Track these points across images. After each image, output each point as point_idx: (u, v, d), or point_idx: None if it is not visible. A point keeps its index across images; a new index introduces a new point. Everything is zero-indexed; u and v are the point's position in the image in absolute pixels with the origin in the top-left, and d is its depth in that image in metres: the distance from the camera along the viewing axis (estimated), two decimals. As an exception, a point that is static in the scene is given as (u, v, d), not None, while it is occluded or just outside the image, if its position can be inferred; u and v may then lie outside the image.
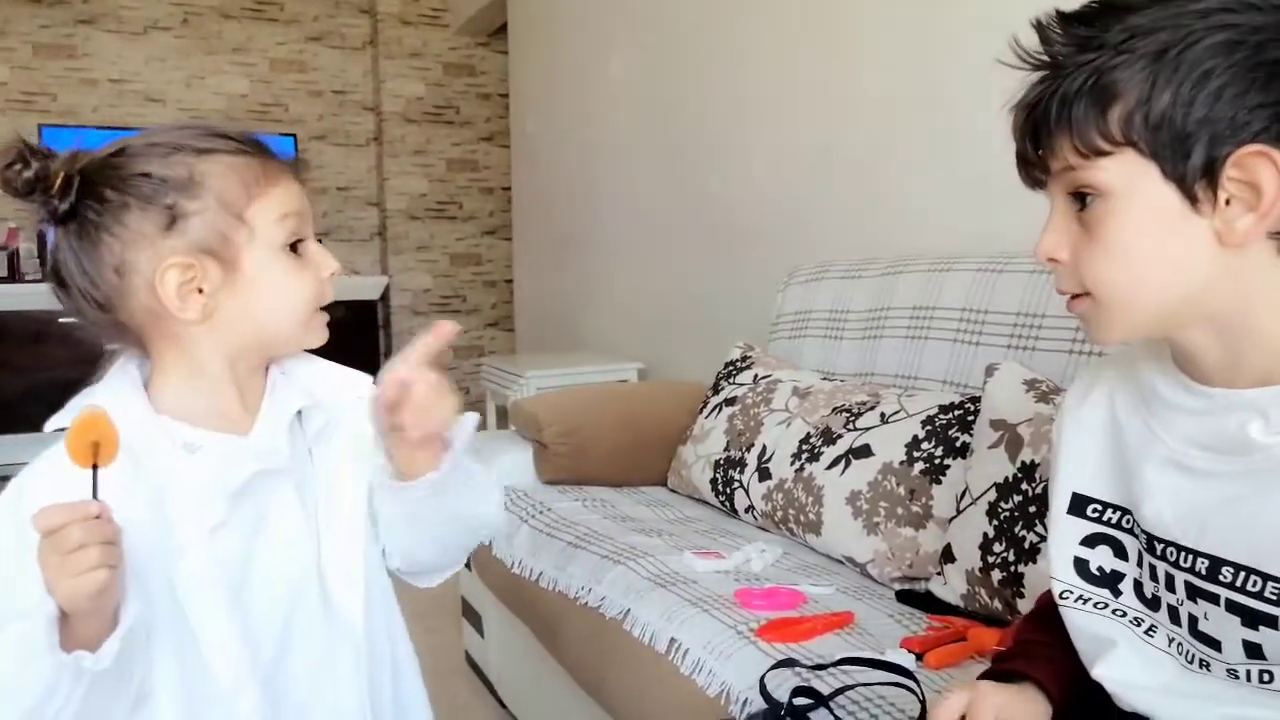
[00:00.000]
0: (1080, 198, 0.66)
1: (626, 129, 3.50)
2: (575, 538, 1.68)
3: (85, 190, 0.78)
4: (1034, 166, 0.69)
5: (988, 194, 1.88)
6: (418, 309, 5.60)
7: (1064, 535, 0.78)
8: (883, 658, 1.10)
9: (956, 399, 1.53)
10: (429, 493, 0.86)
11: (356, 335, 4.93)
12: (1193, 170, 0.61)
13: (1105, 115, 0.62)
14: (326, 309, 0.89)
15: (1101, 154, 0.63)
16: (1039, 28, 0.66)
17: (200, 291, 0.80)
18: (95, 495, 0.69)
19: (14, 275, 4.49)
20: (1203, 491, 0.67)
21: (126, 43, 4.95)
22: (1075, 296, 0.69)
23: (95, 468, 0.69)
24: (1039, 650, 0.79)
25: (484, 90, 5.63)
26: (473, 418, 0.90)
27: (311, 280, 0.86)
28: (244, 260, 0.82)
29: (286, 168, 0.86)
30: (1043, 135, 0.67)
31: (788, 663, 1.11)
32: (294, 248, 0.85)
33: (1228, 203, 0.61)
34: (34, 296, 4.22)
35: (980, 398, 1.44)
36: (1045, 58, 0.66)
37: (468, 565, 2.07)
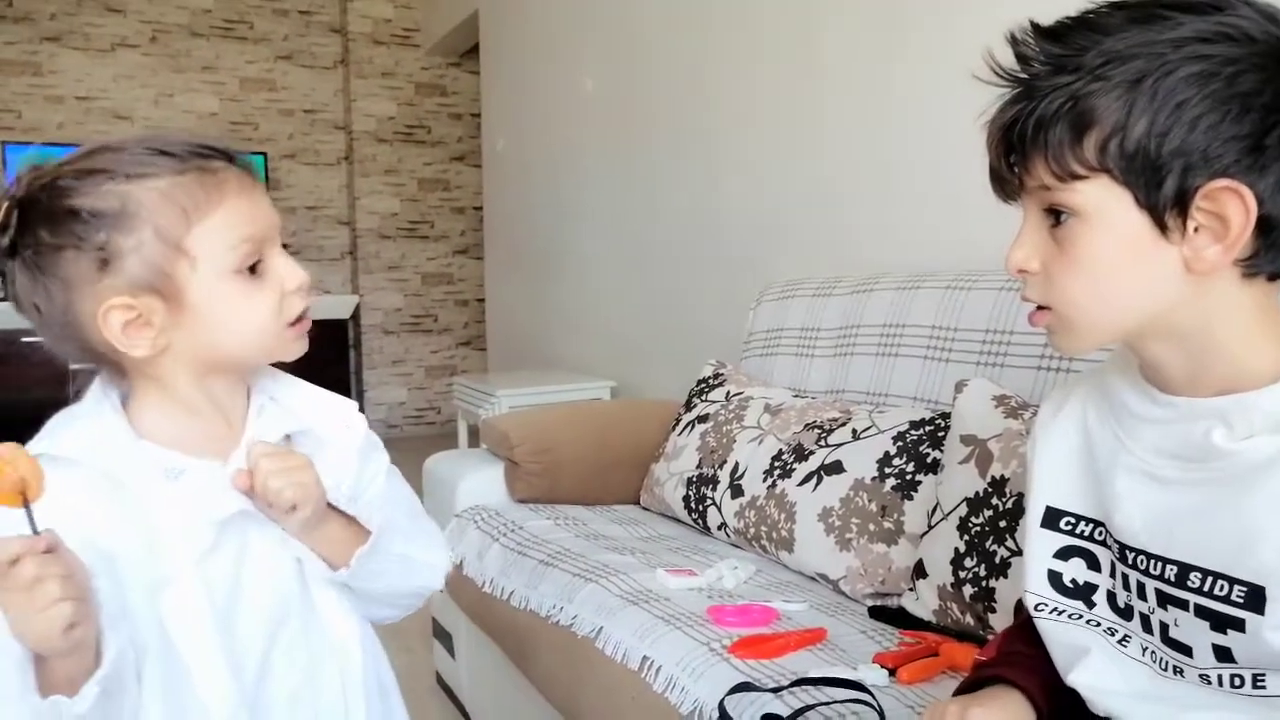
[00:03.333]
0: (1054, 214, 0.67)
1: (597, 148, 3.51)
2: (547, 556, 1.66)
3: (23, 227, 0.74)
4: (1008, 182, 0.70)
5: (957, 211, 1.91)
6: (388, 328, 5.57)
7: (1038, 548, 0.79)
8: (840, 676, 1.10)
9: (927, 415, 1.54)
10: (349, 581, 0.85)
11: (327, 354, 4.90)
12: (1164, 199, 0.62)
13: (1081, 141, 0.63)
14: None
15: (1077, 178, 0.64)
16: (1014, 43, 0.67)
17: (151, 324, 0.76)
18: (35, 531, 0.66)
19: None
20: (1170, 499, 0.68)
21: (93, 60, 4.91)
22: (1039, 309, 0.70)
23: (27, 505, 0.66)
24: (1024, 661, 0.80)
25: (455, 110, 5.64)
26: (386, 503, 0.88)
27: (270, 298, 0.80)
28: (189, 292, 0.76)
29: (237, 179, 0.79)
30: (1018, 154, 0.67)
31: (744, 686, 1.11)
32: (254, 268, 0.79)
33: (1196, 230, 0.63)
34: (-5, 315, 4.16)
35: (950, 414, 1.45)
36: (1021, 75, 0.66)
37: (438, 585, 2.05)
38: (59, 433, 0.78)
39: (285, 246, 0.84)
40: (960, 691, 0.84)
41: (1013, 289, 1.58)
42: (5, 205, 0.74)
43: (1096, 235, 0.65)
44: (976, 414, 1.35)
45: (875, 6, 2.18)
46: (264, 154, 5.15)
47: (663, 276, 3.13)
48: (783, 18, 2.48)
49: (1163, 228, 0.63)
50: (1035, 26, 0.66)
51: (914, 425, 1.53)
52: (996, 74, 0.68)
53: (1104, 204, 0.64)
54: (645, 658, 1.28)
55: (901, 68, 2.10)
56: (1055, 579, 0.78)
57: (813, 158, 2.40)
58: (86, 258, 0.74)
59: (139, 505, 0.77)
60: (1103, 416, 0.75)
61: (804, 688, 1.10)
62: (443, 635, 2.19)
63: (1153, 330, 0.67)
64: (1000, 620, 1.20)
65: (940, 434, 1.47)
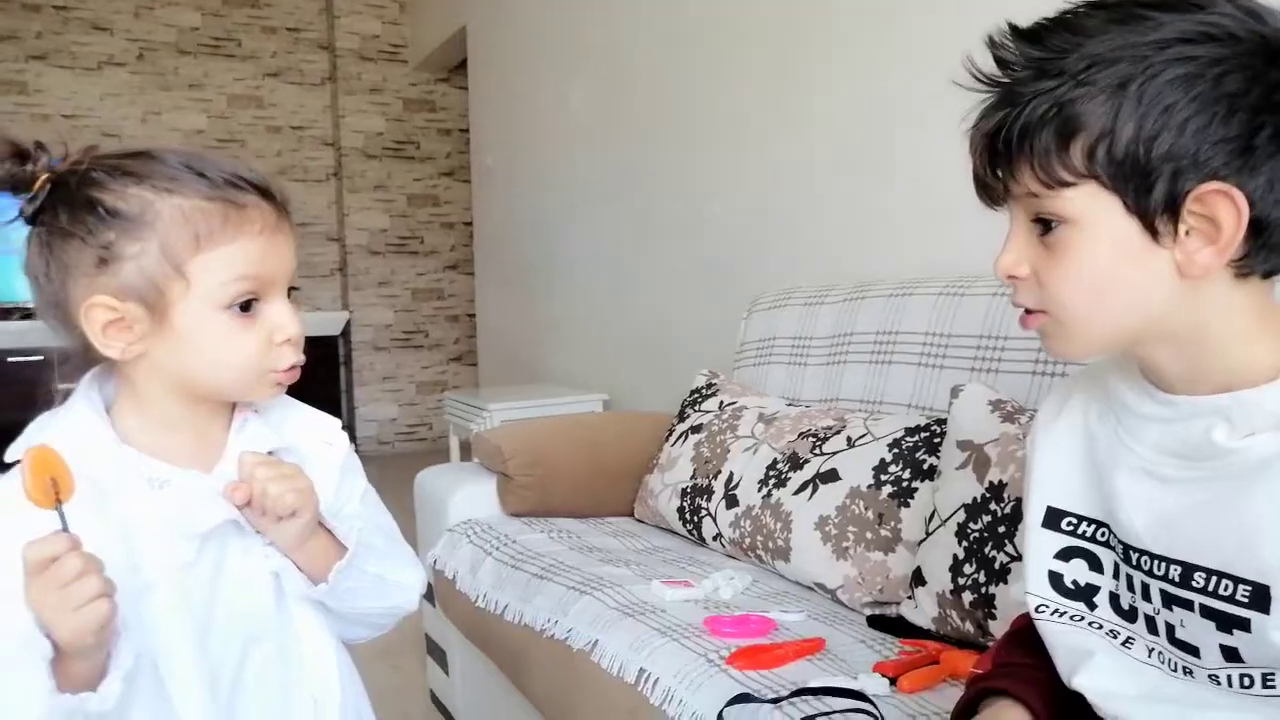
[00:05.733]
0: (1043, 222, 0.66)
1: (586, 162, 3.51)
2: (541, 569, 1.65)
3: (48, 203, 0.76)
4: (993, 189, 0.69)
5: (948, 217, 1.90)
6: (379, 344, 5.55)
7: (1038, 549, 0.78)
8: (839, 685, 1.09)
9: (922, 421, 1.53)
10: (325, 598, 0.84)
11: (318, 372, 4.87)
12: (1155, 204, 0.61)
13: (1068, 148, 0.62)
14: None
15: (1064, 185, 0.63)
16: (993, 45, 0.66)
17: (131, 330, 0.76)
18: (66, 531, 0.67)
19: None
20: (1172, 498, 0.68)
21: (80, 79, 4.90)
22: (1030, 313, 0.70)
23: (59, 504, 0.67)
24: (1022, 671, 0.78)
25: (444, 125, 5.64)
26: (361, 522, 0.87)
27: (256, 343, 0.78)
28: (175, 314, 0.76)
29: (262, 218, 0.78)
30: (1003, 161, 0.67)
31: (743, 698, 1.09)
32: (248, 305, 0.78)
33: (1188, 234, 0.62)
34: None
35: (946, 420, 1.44)
36: (1003, 80, 0.66)
37: (431, 601, 2.03)
38: (42, 433, 0.77)
39: (293, 290, 0.82)
40: (958, 708, 0.82)
41: (1006, 294, 1.57)
42: (44, 177, 0.75)
43: (1086, 242, 0.64)
44: (973, 419, 1.34)
45: (861, 16, 2.18)
46: (252, 171, 5.14)
47: (653, 288, 3.12)
48: (768, 30, 2.48)
49: (1154, 232, 0.62)
50: (1013, 29, 0.66)
51: (909, 432, 1.52)
52: (977, 79, 0.67)
53: (1093, 210, 0.63)
54: (642, 670, 1.26)
55: (888, 76, 2.10)
56: (1056, 580, 0.77)
57: (801, 168, 2.40)
58: (90, 251, 0.75)
59: (121, 512, 0.76)
60: (1104, 416, 0.74)
61: (804, 698, 1.08)
62: (436, 652, 2.16)
63: (1149, 335, 0.67)
64: (1000, 627, 1.18)
65: (936, 440, 1.46)
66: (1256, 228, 0.61)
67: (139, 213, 0.74)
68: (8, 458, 0.74)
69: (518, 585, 1.64)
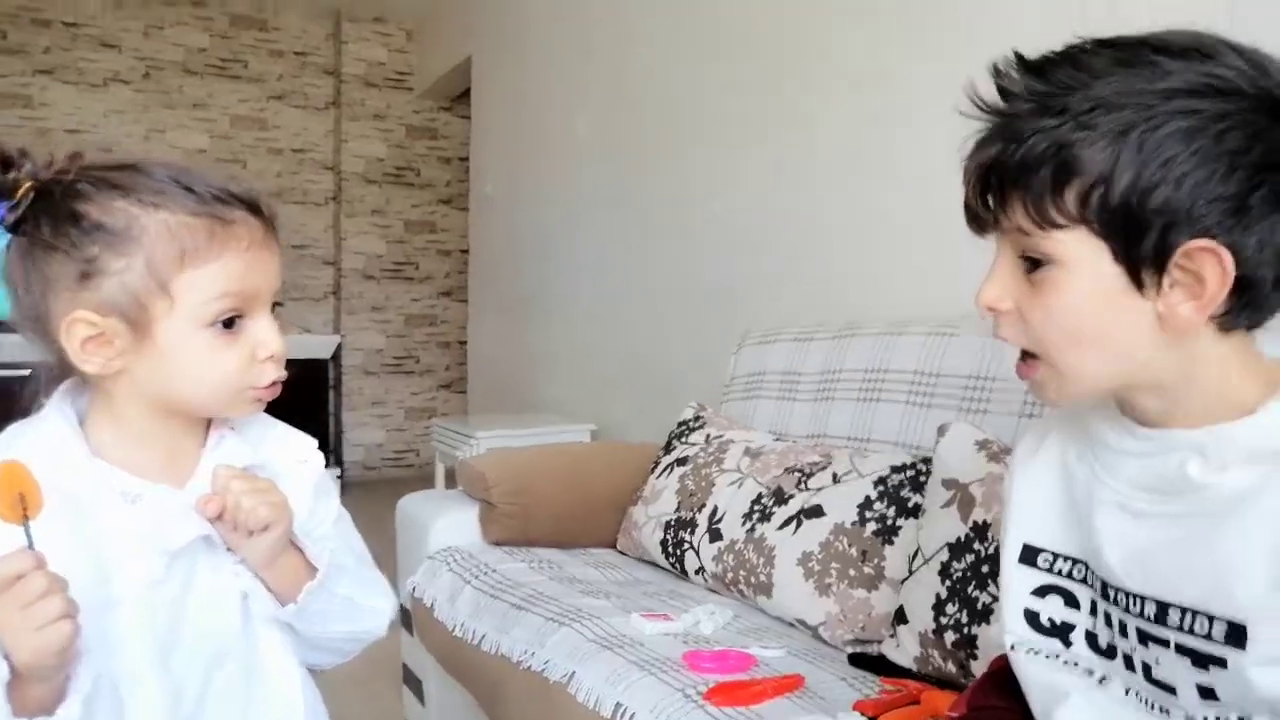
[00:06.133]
0: (1030, 259, 0.66)
1: (583, 194, 3.53)
2: (520, 599, 1.62)
3: (31, 211, 0.74)
4: (983, 219, 0.69)
5: (940, 257, 1.91)
6: (369, 369, 5.53)
7: (1015, 586, 0.77)
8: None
9: (908, 459, 1.52)
10: (294, 619, 0.83)
11: (307, 394, 4.85)
12: (1143, 255, 0.61)
13: (1063, 191, 0.62)
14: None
15: (1055, 226, 0.63)
16: (997, 74, 0.66)
17: (111, 345, 0.75)
18: (32, 548, 0.65)
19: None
20: (1145, 533, 0.67)
21: (85, 94, 4.92)
22: (1026, 360, 0.69)
23: (26, 520, 0.66)
24: (997, 715, 0.77)
25: (445, 154, 5.67)
26: (334, 543, 0.86)
27: (239, 359, 0.77)
28: (158, 330, 0.75)
29: (249, 234, 0.77)
30: (996, 194, 0.67)
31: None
32: (231, 322, 0.77)
33: (1172, 286, 0.62)
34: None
35: (932, 458, 1.43)
36: (1005, 110, 0.65)
37: (409, 629, 2.00)
38: (13, 444, 0.75)
39: (278, 305, 0.81)
40: None
41: (996, 338, 1.57)
42: (27, 185, 0.74)
43: (1070, 283, 0.64)
44: (959, 458, 1.34)
45: (861, 56, 2.20)
46: (251, 192, 5.15)
47: (645, 321, 3.12)
48: (769, 67, 2.51)
49: (1139, 283, 0.62)
50: (1020, 59, 0.66)
51: (895, 469, 1.51)
52: (979, 107, 0.67)
53: (1080, 254, 0.63)
54: (618, 704, 1.24)
55: (888, 115, 2.12)
56: (1032, 617, 0.76)
57: (796, 206, 2.41)
58: (72, 264, 0.73)
59: (91, 526, 0.74)
60: (1081, 453, 0.74)
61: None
62: (412, 681, 2.13)
63: (1135, 382, 0.67)
64: (982, 668, 1.17)
65: (922, 478, 1.45)
66: (1241, 285, 0.61)
67: (124, 227, 0.73)
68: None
69: (496, 615, 1.62)
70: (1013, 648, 0.76)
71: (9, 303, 0.78)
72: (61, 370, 0.79)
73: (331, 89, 5.47)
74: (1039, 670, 0.75)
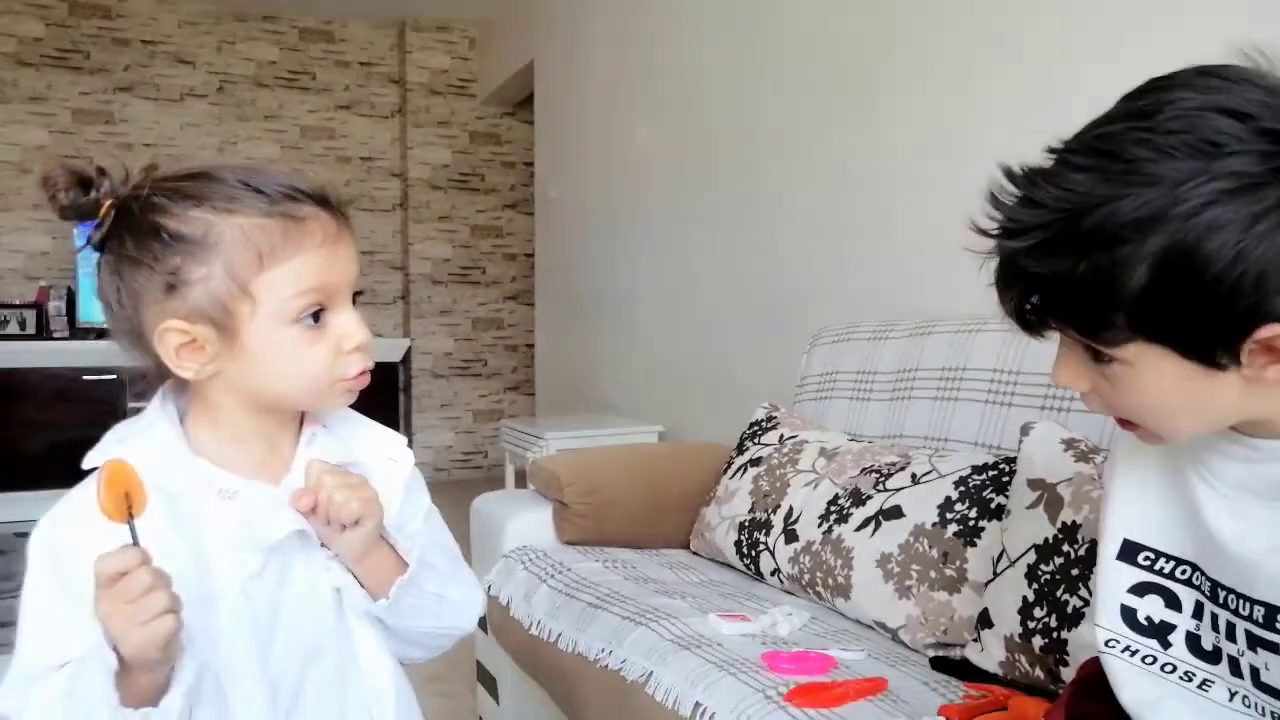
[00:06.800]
0: (1096, 352, 0.64)
1: (648, 195, 3.53)
2: (596, 599, 1.63)
3: (114, 229, 0.76)
4: (1033, 328, 0.66)
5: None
6: (438, 372, 5.61)
7: (1112, 582, 0.75)
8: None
9: (990, 459, 1.49)
10: (384, 615, 0.84)
11: (378, 398, 4.90)
12: (1211, 354, 0.59)
13: (1111, 317, 0.59)
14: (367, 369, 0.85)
15: (1112, 345, 0.61)
16: (998, 201, 0.63)
17: (204, 350, 0.77)
18: (136, 545, 0.67)
19: (42, 333, 4.55)
20: (1254, 538, 0.65)
21: (163, 109, 5.08)
22: (1122, 421, 0.68)
23: (131, 519, 0.68)
24: None
25: (509, 159, 5.72)
26: (424, 539, 0.87)
27: (326, 353, 0.79)
28: (245, 332, 0.76)
29: (322, 229, 0.78)
30: (1037, 316, 0.64)
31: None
32: (316, 316, 0.78)
33: (1250, 355, 0.59)
34: (59, 354, 4.27)
35: (1015, 458, 1.40)
36: (1017, 248, 0.62)
37: (483, 627, 2.02)
38: (121, 443, 0.77)
39: (358, 295, 0.82)
40: None
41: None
42: (108, 203, 0.76)
43: (1142, 380, 0.62)
44: (1045, 458, 1.30)
45: (929, 54, 2.17)
46: (322, 200, 5.26)
47: (712, 321, 3.11)
48: (836, 65, 2.48)
49: (1215, 366, 0.60)
50: (1013, 178, 0.62)
51: (976, 470, 1.48)
52: (1001, 226, 0.64)
53: (1145, 357, 0.61)
54: (698, 704, 1.24)
55: (959, 112, 2.08)
56: (1129, 615, 0.74)
57: (868, 205, 2.38)
58: (158, 277, 0.75)
59: (192, 522, 0.76)
60: (1192, 451, 0.72)
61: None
62: (486, 679, 2.15)
63: (1237, 424, 0.65)
64: (1072, 674, 1.14)
65: (1005, 479, 1.42)
66: None
67: (202, 235, 0.74)
68: (85, 464, 0.74)
69: (572, 614, 1.62)
70: (1107, 645, 0.74)
71: (106, 317, 0.81)
72: (160, 376, 0.81)
73: (397, 97, 5.57)
74: (1134, 672, 0.73)
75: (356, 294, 0.82)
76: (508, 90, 5.27)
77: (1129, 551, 0.75)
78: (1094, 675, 0.79)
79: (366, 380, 0.82)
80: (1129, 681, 0.73)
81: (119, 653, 0.66)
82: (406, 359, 5.47)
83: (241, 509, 0.79)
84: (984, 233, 0.64)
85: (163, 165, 0.79)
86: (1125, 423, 0.68)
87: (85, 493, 0.72)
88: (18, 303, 4.64)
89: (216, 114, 5.20)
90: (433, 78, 5.54)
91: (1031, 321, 0.65)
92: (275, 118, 5.33)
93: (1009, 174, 0.63)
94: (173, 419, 0.81)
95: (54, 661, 0.70)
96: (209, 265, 0.74)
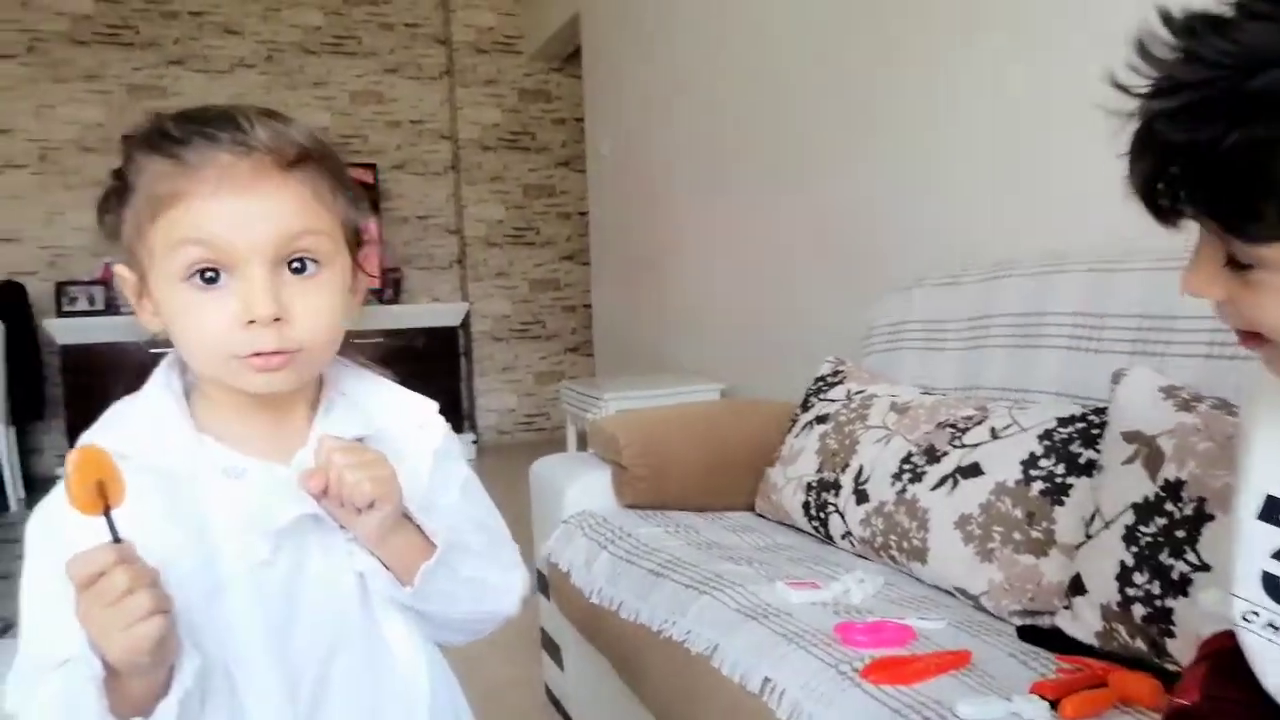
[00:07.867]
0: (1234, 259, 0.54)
1: (703, 146, 3.41)
2: (657, 565, 1.57)
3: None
4: (1168, 216, 0.56)
5: (1099, 184, 1.73)
6: (497, 335, 5.59)
7: (1252, 545, 0.65)
8: (994, 708, 0.97)
9: (1077, 410, 1.38)
10: (413, 602, 0.76)
11: (440, 361, 4.92)
12: None
13: (1260, 205, 0.50)
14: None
15: (1258, 241, 0.52)
16: (1148, 52, 0.52)
17: (140, 299, 0.73)
18: (116, 539, 0.61)
19: (110, 308, 4.63)
20: None
21: (213, 81, 5.09)
22: (1248, 336, 0.58)
23: (108, 510, 0.61)
24: (1234, 711, 0.66)
25: (559, 115, 5.63)
26: (456, 518, 0.79)
27: (220, 322, 0.68)
28: (150, 283, 0.71)
29: (220, 176, 0.67)
30: (1170, 205, 0.54)
31: None
32: (210, 276, 0.68)
33: None
34: (129, 328, 4.33)
35: (1105, 408, 1.29)
36: (1177, 97, 0.51)
37: (545, 594, 1.98)
38: (115, 423, 0.72)
39: (301, 266, 0.70)
40: None
41: (1169, 269, 1.40)
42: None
43: None
44: (1141, 408, 1.19)
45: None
46: (374, 165, 5.24)
47: (774, 273, 3.00)
48: (900, 11, 2.33)
49: None
50: (1178, 36, 0.51)
51: (1062, 422, 1.37)
52: (1145, 76, 0.53)
53: None
54: (766, 679, 1.17)
55: (1040, 52, 1.93)
56: (1271, 584, 0.64)
57: (932, 146, 2.25)
58: (108, 219, 0.73)
59: (193, 506, 0.70)
60: None
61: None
62: (550, 646, 2.12)
63: None
64: (1179, 646, 1.04)
65: (1095, 431, 1.31)
66: None
67: (129, 177, 0.71)
68: (80, 444, 0.67)
69: (633, 581, 1.57)
70: (1245, 620, 0.65)
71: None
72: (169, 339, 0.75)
73: (443, 58, 5.49)
74: (1276, 652, 0.63)
75: (304, 260, 0.71)
76: (554, 45, 5.16)
77: (1272, 509, 0.64)
78: (1229, 651, 0.69)
79: (285, 361, 0.70)
80: (1273, 663, 0.63)
81: (106, 659, 0.61)
82: (466, 323, 5.46)
83: (249, 490, 0.72)
84: (1125, 90, 0.53)
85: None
86: (1250, 337, 0.58)
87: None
88: (85, 279, 4.72)
89: (266, 83, 5.19)
90: (478, 36, 5.45)
91: (1163, 205, 0.55)
92: (324, 84, 5.30)
93: (1166, 20, 0.52)
94: (177, 393, 0.74)
95: (54, 657, 0.65)
96: (128, 208, 0.71)
